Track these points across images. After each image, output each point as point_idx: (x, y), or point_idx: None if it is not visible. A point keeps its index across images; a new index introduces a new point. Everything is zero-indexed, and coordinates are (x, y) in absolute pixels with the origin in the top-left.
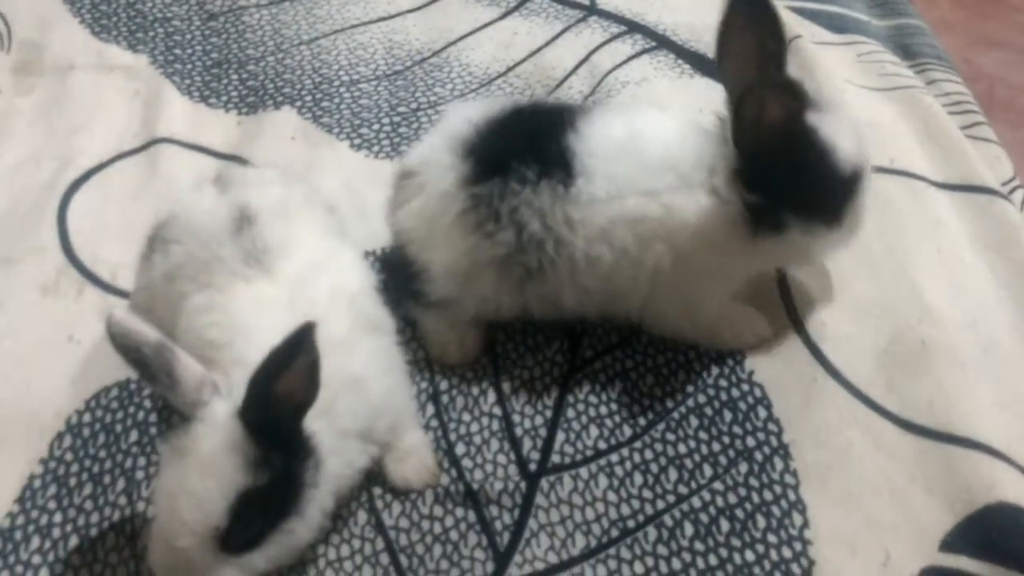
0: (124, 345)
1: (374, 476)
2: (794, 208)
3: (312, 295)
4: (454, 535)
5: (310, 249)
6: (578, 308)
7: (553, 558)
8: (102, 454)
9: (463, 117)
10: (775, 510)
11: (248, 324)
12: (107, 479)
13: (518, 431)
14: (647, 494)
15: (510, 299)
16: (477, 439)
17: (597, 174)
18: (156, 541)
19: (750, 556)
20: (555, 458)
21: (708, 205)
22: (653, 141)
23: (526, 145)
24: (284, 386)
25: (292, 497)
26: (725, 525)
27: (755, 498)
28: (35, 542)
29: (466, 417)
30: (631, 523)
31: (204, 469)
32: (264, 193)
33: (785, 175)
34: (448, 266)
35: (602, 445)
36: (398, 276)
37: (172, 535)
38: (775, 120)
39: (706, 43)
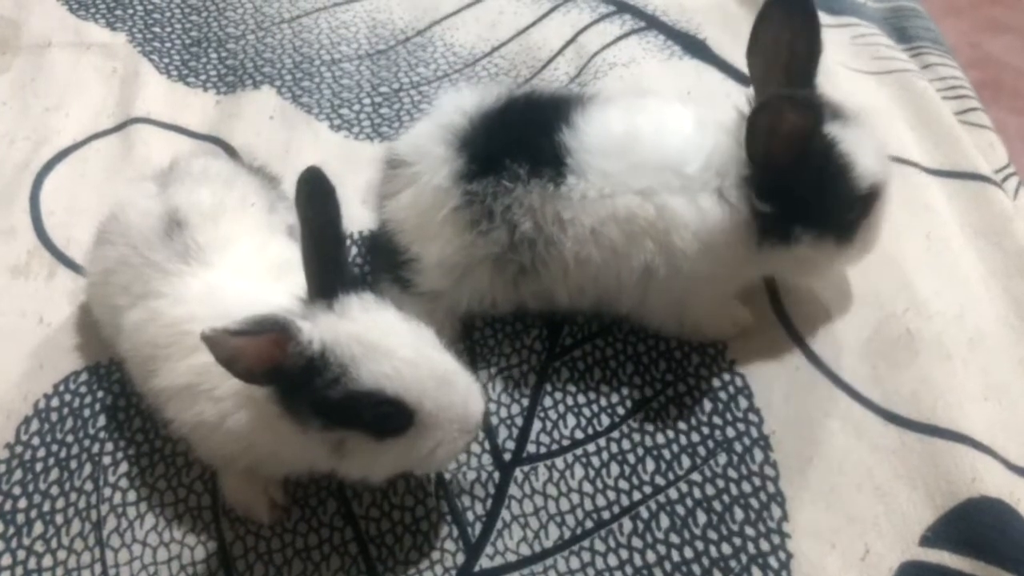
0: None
1: None
2: (806, 222)
3: (259, 266)
4: (424, 525)
5: (247, 242)
6: (572, 305)
7: (525, 550)
8: (69, 439)
9: (456, 105)
10: (753, 502)
11: (223, 299)
12: (73, 464)
13: (493, 420)
14: (623, 485)
15: (504, 294)
16: None
17: (590, 171)
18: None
19: (727, 549)
20: (530, 448)
21: (711, 209)
22: (655, 138)
23: (519, 140)
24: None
25: None
26: (702, 517)
27: (733, 490)
28: None
29: None
30: (606, 514)
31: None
32: (194, 195)
33: (799, 187)
34: (441, 260)
35: (579, 435)
36: (383, 261)
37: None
38: (790, 132)
39: (696, 24)
